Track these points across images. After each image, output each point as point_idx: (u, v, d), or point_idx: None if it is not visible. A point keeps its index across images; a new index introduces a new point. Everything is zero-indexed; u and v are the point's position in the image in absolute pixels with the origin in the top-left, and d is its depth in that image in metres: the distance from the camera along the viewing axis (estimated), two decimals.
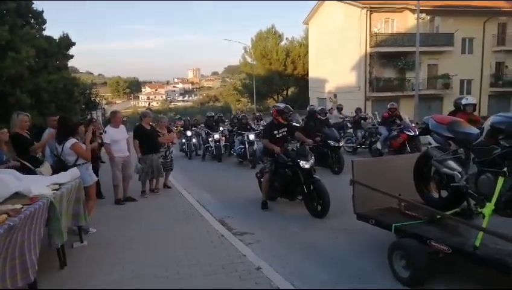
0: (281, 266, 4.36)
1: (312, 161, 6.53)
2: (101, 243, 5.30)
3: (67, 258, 4.52)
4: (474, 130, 3.82)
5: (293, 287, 3.86)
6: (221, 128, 15.39)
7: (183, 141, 16.66)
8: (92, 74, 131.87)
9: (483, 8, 26.98)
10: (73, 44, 18.21)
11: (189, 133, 16.38)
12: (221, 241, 5.21)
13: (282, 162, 6.77)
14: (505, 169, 3.25)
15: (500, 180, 3.27)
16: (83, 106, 24.16)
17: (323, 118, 11.35)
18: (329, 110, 15.24)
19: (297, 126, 9.10)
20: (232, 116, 15.72)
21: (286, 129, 7.05)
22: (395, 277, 3.89)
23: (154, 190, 8.54)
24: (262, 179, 7.23)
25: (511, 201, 3.27)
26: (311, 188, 6.33)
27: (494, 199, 3.30)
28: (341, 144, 10.54)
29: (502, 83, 29.01)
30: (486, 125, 3.53)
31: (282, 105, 7.23)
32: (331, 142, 10.21)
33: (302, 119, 12.30)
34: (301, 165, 6.40)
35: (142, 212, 7.00)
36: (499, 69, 29.37)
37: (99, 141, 7.56)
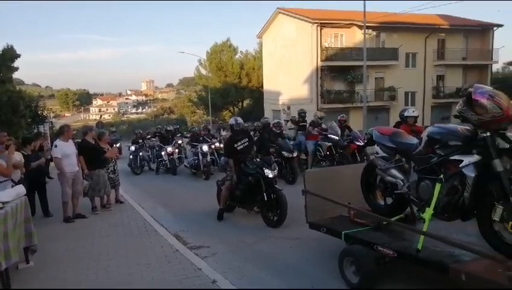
0: (236, 278, 4.40)
1: (276, 171, 6.71)
2: (49, 263, 5.07)
3: (11, 280, 4.28)
4: (414, 140, 4.10)
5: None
6: (179, 141, 15.03)
7: (130, 156, 15.36)
8: (39, 86, 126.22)
9: (424, 24, 28.82)
10: (18, 56, 17.52)
11: (132, 147, 15.31)
12: (176, 256, 5.16)
13: (246, 171, 6.85)
14: (442, 176, 3.51)
15: (437, 187, 3.52)
16: (29, 120, 23.04)
17: (278, 131, 11.59)
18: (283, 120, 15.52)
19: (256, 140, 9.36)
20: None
21: (247, 140, 7.19)
22: (347, 284, 4.04)
23: (106, 206, 8.27)
24: (222, 187, 7.26)
25: (448, 206, 3.53)
26: (272, 197, 6.46)
27: (432, 204, 3.55)
28: (294, 155, 10.78)
29: (443, 94, 31.00)
30: (424, 135, 3.81)
31: (232, 120, 7.42)
32: (285, 153, 10.45)
33: (257, 131, 12.54)
34: (265, 174, 6.52)
35: (94, 230, 6.74)
36: (440, 81, 31.36)
37: (49, 156, 7.25)
